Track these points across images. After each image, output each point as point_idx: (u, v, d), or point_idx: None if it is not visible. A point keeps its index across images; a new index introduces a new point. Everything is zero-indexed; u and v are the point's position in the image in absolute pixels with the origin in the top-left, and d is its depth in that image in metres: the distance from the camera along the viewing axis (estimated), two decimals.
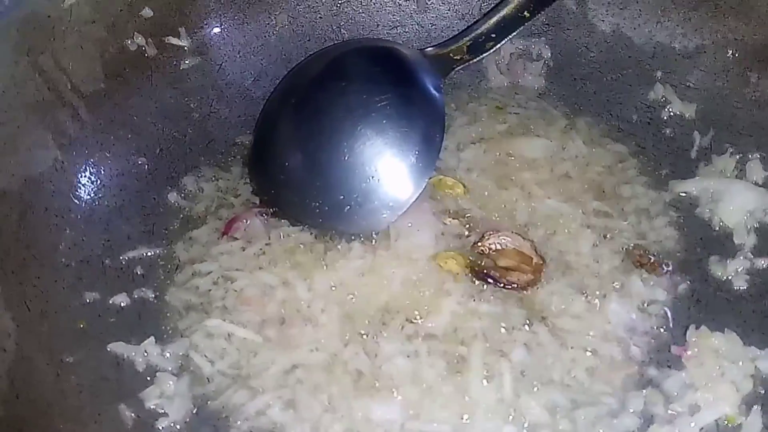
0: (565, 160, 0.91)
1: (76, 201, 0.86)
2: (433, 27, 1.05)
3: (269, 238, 0.85)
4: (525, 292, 0.79)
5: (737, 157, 0.88)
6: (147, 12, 0.93)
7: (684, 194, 0.88)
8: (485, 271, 0.80)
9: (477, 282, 0.80)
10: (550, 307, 0.78)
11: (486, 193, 0.88)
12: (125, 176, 0.90)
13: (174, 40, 0.96)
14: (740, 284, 0.79)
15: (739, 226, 0.83)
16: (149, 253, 0.85)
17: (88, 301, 0.80)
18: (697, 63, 0.95)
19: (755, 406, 0.70)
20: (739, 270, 0.80)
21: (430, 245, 0.83)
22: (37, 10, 0.84)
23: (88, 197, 0.87)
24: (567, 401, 0.72)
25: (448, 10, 1.05)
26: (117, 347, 0.76)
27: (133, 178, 0.90)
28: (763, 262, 0.80)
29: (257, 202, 0.90)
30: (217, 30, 0.99)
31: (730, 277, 0.80)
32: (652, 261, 0.82)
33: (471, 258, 0.82)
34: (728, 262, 0.81)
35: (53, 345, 0.75)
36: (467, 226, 0.85)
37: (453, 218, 0.86)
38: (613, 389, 0.73)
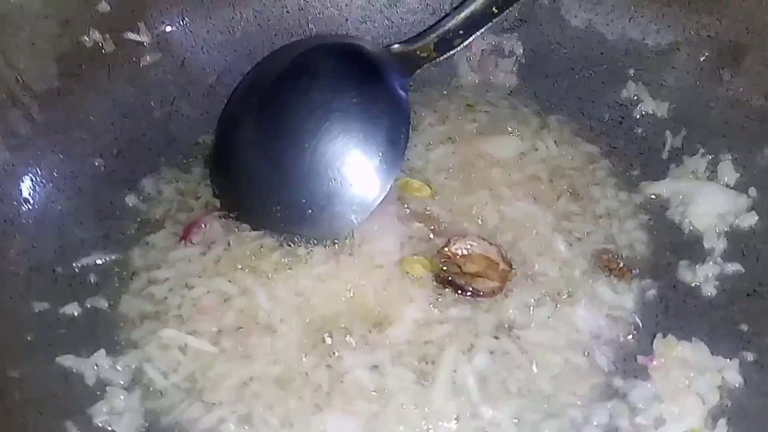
0: (536, 161, 0.89)
1: (26, 205, 0.83)
2: (404, 22, 1.03)
3: (229, 243, 0.82)
4: (490, 299, 0.77)
5: (709, 158, 0.86)
6: (104, 6, 0.90)
7: (654, 196, 0.86)
8: (450, 278, 0.78)
9: (442, 289, 0.78)
10: (516, 314, 0.76)
11: (454, 195, 0.86)
12: (80, 178, 0.87)
13: (133, 36, 0.92)
14: (709, 290, 0.78)
15: (709, 229, 0.81)
16: (104, 260, 0.82)
17: (36, 311, 0.77)
18: (670, 60, 0.93)
19: (721, 419, 0.68)
20: (709, 276, 0.78)
21: (395, 250, 0.81)
22: None
23: (40, 201, 0.84)
24: (531, 414, 0.70)
25: (419, 4, 1.03)
26: (66, 360, 0.73)
27: (89, 180, 0.87)
28: (732, 267, 0.78)
29: (218, 205, 0.87)
30: (179, 25, 0.95)
31: (699, 283, 0.79)
32: (621, 266, 0.80)
33: (436, 263, 0.80)
34: (697, 267, 0.79)
35: None
36: (433, 229, 0.83)
37: (419, 222, 0.84)
38: (578, 400, 0.71)
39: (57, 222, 0.83)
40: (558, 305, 0.77)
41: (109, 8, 0.90)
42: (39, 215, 0.83)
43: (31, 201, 0.83)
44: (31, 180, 0.84)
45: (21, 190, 0.83)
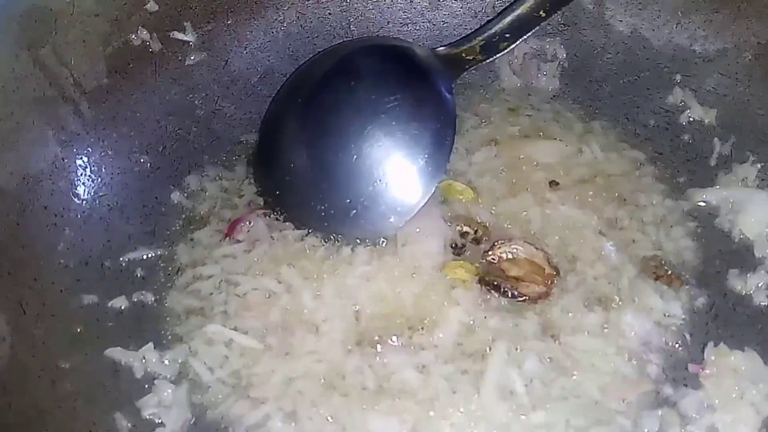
0: (580, 165, 0.89)
1: (75, 200, 0.84)
2: (445, 25, 1.03)
3: (273, 241, 0.83)
4: (536, 304, 0.76)
5: (759, 165, 0.85)
6: (152, 6, 0.90)
7: (703, 204, 0.85)
8: (495, 282, 0.78)
9: (486, 292, 0.77)
10: (563, 319, 0.75)
11: (498, 198, 0.86)
12: (127, 174, 0.88)
13: (179, 35, 0.93)
14: (761, 300, 0.76)
15: (760, 238, 0.80)
16: (150, 255, 0.83)
17: (86, 303, 0.78)
18: (717, 67, 0.92)
19: None
20: (760, 285, 0.77)
21: (439, 252, 0.81)
22: (38, 3, 0.81)
23: (89, 196, 0.85)
24: (580, 419, 0.70)
25: (461, 7, 1.03)
26: (114, 353, 0.74)
27: (135, 176, 0.88)
28: None
29: (261, 203, 0.87)
30: (223, 25, 0.96)
31: (750, 292, 0.77)
32: (669, 273, 0.79)
33: (480, 267, 0.79)
34: (748, 276, 0.78)
35: (49, 350, 0.73)
36: (477, 233, 0.83)
37: (463, 225, 0.83)
38: (627, 408, 0.70)
39: (104, 217, 0.84)
40: (606, 311, 0.76)
41: (156, 8, 0.91)
42: (87, 210, 0.84)
43: (80, 196, 0.84)
44: (80, 175, 0.85)
45: (70, 185, 0.84)
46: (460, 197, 0.86)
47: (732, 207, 0.83)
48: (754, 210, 0.81)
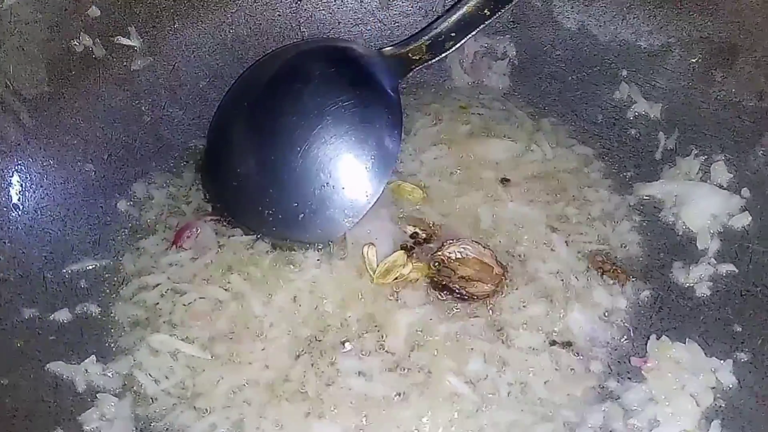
0: (531, 162, 0.89)
1: (16, 212, 0.82)
2: (396, 24, 1.02)
3: (220, 248, 0.82)
4: (484, 303, 0.77)
5: (702, 158, 0.86)
6: (94, 11, 0.89)
7: (648, 197, 0.86)
8: (444, 282, 0.78)
9: (435, 293, 0.77)
10: (510, 317, 0.76)
11: (447, 198, 0.86)
12: (71, 184, 0.86)
13: (124, 40, 0.92)
14: (703, 291, 0.77)
15: (702, 230, 0.81)
16: (94, 266, 0.82)
17: (26, 317, 0.76)
18: (662, 62, 0.93)
19: (715, 421, 0.68)
20: (702, 276, 0.78)
21: (388, 254, 0.80)
22: None
23: (30, 207, 0.83)
24: (527, 417, 0.70)
25: (411, 6, 1.03)
26: (56, 367, 0.73)
27: (80, 185, 0.87)
28: (725, 268, 0.78)
29: (209, 209, 0.86)
30: (170, 29, 0.95)
31: (692, 284, 0.78)
32: (615, 267, 0.80)
33: (430, 268, 0.79)
34: (691, 268, 0.79)
35: None
36: (427, 233, 0.83)
37: (413, 225, 0.83)
38: (572, 402, 0.70)
39: (47, 228, 0.83)
40: (552, 308, 0.76)
41: (99, 13, 0.89)
42: (29, 221, 0.82)
43: (21, 207, 0.83)
44: (21, 186, 0.83)
45: (11, 196, 0.82)
46: (410, 198, 0.86)
47: (676, 200, 0.84)
48: (696, 203, 0.82)
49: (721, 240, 0.81)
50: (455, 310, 0.76)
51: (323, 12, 1.02)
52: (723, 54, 0.88)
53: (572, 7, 0.98)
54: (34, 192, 0.84)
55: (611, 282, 0.79)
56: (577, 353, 0.74)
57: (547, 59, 0.98)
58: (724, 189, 0.83)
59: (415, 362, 0.73)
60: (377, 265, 0.78)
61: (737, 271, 0.78)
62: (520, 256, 0.81)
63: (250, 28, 0.99)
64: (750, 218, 0.81)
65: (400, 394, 0.71)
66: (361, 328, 0.75)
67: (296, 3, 1.01)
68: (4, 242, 0.80)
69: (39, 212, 0.83)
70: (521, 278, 0.79)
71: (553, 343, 0.74)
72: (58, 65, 0.87)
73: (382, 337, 0.75)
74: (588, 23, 0.98)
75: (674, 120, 0.90)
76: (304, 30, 1.01)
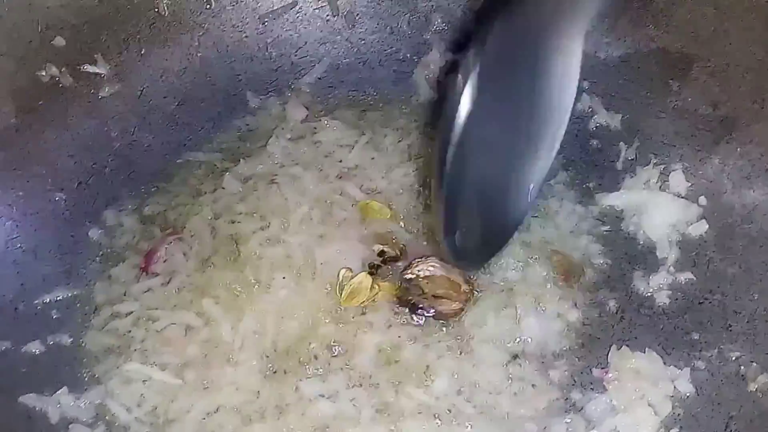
0: None
1: None
2: (362, 42, 1.04)
3: (191, 272, 0.83)
4: (452, 320, 0.78)
5: (660, 168, 0.88)
6: (59, 41, 0.90)
7: (610, 207, 0.87)
8: (413, 300, 0.79)
9: (403, 311, 0.79)
10: (474, 333, 0.77)
11: (415, 216, 0.87)
12: (41, 214, 0.87)
13: (90, 68, 0.93)
14: (662, 300, 0.79)
15: (662, 239, 0.83)
16: (66, 296, 0.83)
17: None
18: (621, 72, 0.95)
19: (674, 429, 0.70)
20: (662, 285, 0.80)
21: (357, 273, 0.82)
22: None
23: (1, 241, 0.84)
24: (492, 430, 0.72)
25: (376, 24, 1.04)
26: (28, 399, 0.74)
27: (50, 215, 0.87)
28: (684, 276, 0.80)
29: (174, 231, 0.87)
30: (136, 54, 0.96)
31: (652, 293, 0.80)
32: (578, 277, 0.81)
33: (398, 286, 0.81)
34: (651, 277, 0.81)
35: None
36: (395, 252, 0.84)
37: (381, 244, 0.85)
38: (537, 416, 0.72)
39: (18, 260, 0.84)
40: (516, 321, 0.78)
41: (64, 42, 0.90)
42: None
43: None
44: None
45: None
46: (378, 216, 0.87)
47: (636, 210, 0.85)
48: (655, 212, 0.84)
49: (680, 248, 0.83)
50: (422, 330, 0.78)
51: (290, 32, 1.03)
52: (678, 64, 0.90)
53: None
54: (3, 224, 0.85)
55: (575, 292, 0.80)
56: (541, 365, 0.75)
57: None
58: (682, 198, 0.85)
59: (382, 381, 0.74)
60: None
61: (695, 279, 0.80)
62: (486, 269, 0.82)
63: (218, 50, 1.00)
64: (707, 226, 0.82)
65: (369, 416, 0.72)
66: (329, 349, 0.76)
67: (262, 24, 1.02)
68: None
69: (9, 244, 0.84)
70: (487, 292, 0.80)
71: (515, 357, 0.75)
72: (24, 96, 0.88)
73: (349, 358, 0.76)
74: None
75: (634, 130, 0.92)
76: (272, 50, 1.02)
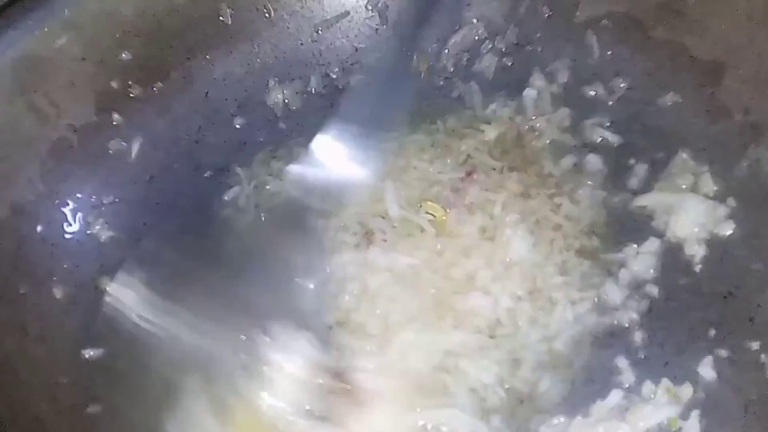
0: None
1: (66, 230, 0.92)
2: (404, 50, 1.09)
3: None
4: None
5: (692, 170, 0.92)
6: (133, 48, 0.97)
7: (643, 207, 0.91)
8: None
9: None
10: None
11: None
12: (117, 204, 0.95)
13: (161, 73, 1.01)
14: (688, 294, 0.84)
15: (690, 237, 0.87)
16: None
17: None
18: (656, 79, 0.99)
19: (694, 411, 0.75)
20: (689, 281, 0.85)
21: None
22: (29, 52, 0.89)
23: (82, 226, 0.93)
24: None
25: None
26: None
27: (125, 206, 0.96)
28: (709, 271, 0.84)
29: None
30: (202, 59, 1.03)
31: (680, 288, 0.84)
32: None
33: None
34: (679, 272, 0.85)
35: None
36: None
37: None
38: None
39: (97, 244, 0.93)
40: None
41: (137, 50, 0.98)
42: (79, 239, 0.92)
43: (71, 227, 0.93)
44: (72, 207, 0.93)
45: (65, 215, 0.92)
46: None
47: (667, 210, 0.89)
48: (685, 212, 0.87)
49: (707, 246, 0.86)
50: None
51: (342, 40, 1.10)
52: (712, 72, 0.94)
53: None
54: (85, 211, 0.94)
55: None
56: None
57: None
58: (711, 199, 0.88)
59: None
60: None
61: (721, 274, 0.84)
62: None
63: (276, 56, 1.07)
64: (734, 225, 0.86)
65: None
66: None
67: (316, 32, 1.09)
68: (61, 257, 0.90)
69: (90, 228, 0.94)
70: None
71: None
72: (103, 98, 0.96)
73: None
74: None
75: (668, 135, 0.96)
76: (326, 56, 1.09)
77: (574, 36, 1.03)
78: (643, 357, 0.79)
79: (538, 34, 1.05)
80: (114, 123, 0.98)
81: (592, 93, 1.00)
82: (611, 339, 0.82)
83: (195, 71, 1.03)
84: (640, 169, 0.94)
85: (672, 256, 0.87)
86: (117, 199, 0.96)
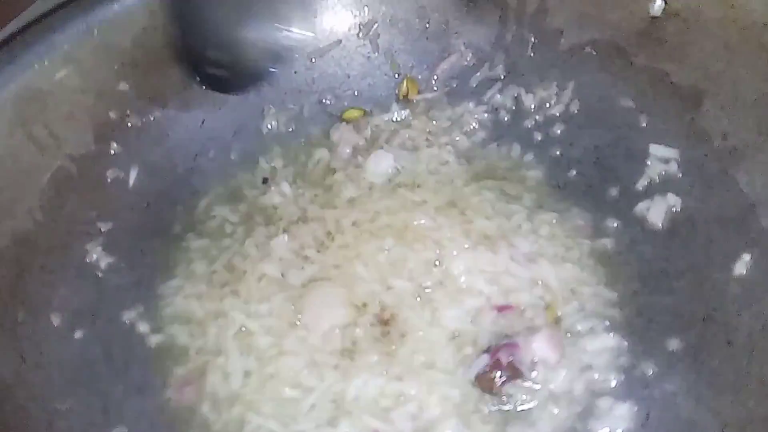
0: None
1: (68, 256, 0.94)
2: (396, 77, 1.13)
3: None
4: None
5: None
6: (130, 79, 1.00)
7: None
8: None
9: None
10: None
11: None
12: (113, 232, 0.97)
13: (158, 102, 1.03)
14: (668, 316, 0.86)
15: None
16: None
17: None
18: (639, 105, 1.02)
19: None
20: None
21: None
22: (29, 85, 0.92)
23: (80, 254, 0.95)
24: None
25: (415, 60, 1.12)
26: None
27: (122, 232, 0.98)
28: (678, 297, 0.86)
29: None
30: (198, 88, 1.05)
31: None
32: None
33: None
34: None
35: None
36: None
37: None
38: None
39: (95, 273, 0.95)
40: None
41: (134, 81, 1.00)
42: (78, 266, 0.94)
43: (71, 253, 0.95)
44: (71, 235, 0.95)
45: (64, 243, 0.94)
46: None
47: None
48: None
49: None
50: None
51: (335, 68, 1.13)
52: (691, 98, 0.96)
53: None
54: (83, 239, 0.96)
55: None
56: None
57: None
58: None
59: None
60: None
61: (696, 297, 0.86)
62: None
63: (270, 84, 1.09)
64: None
65: None
66: None
67: (310, 61, 1.12)
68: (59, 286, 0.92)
69: (88, 258, 0.96)
70: None
71: None
72: (101, 128, 0.99)
73: None
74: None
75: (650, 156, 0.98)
76: (318, 84, 1.12)
77: (558, 62, 1.06)
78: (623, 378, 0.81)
79: (524, 61, 1.08)
80: (112, 152, 1.00)
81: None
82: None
83: (191, 100, 1.06)
84: (614, 191, 0.97)
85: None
86: (115, 226, 0.98)
